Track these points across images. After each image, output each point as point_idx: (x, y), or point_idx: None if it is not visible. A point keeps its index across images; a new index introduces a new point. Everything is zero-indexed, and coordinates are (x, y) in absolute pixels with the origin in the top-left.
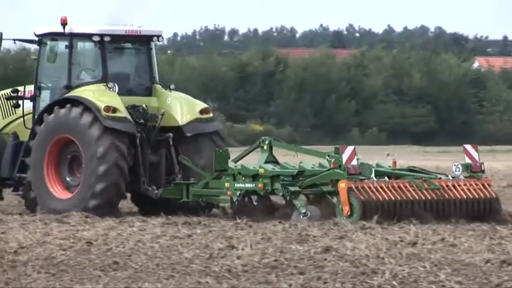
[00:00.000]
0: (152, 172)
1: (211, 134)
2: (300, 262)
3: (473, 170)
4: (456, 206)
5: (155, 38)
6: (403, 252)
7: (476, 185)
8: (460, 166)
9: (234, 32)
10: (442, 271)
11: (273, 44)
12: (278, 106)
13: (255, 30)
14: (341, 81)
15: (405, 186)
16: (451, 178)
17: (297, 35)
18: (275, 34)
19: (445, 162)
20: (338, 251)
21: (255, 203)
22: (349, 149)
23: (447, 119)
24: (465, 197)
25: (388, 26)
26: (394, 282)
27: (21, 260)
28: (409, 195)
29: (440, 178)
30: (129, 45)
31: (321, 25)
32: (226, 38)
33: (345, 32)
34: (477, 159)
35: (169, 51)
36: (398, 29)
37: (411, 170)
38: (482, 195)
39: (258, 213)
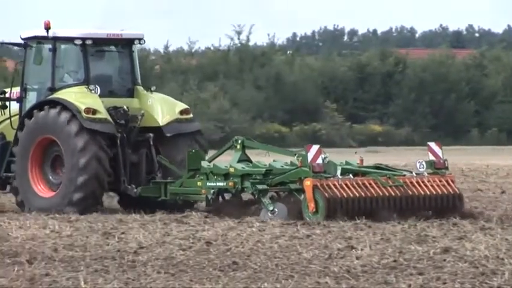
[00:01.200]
0: (133, 171)
1: (191, 134)
2: (419, 263)
3: (437, 167)
4: (420, 201)
5: (137, 41)
6: None
7: (440, 181)
8: (424, 163)
9: (353, 33)
10: None
11: (392, 45)
12: (397, 106)
13: (374, 31)
14: (460, 82)
15: (370, 183)
16: (415, 175)
17: (417, 35)
18: (394, 34)
19: None
20: (457, 251)
21: (226, 200)
22: (314, 148)
23: None
24: (428, 193)
25: (508, 26)
26: None
27: (140, 260)
28: (373, 191)
29: (404, 175)
30: (111, 48)
31: (441, 25)
32: (345, 38)
33: (465, 32)
34: (441, 156)
35: (288, 52)
36: None
37: (377, 167)
38: (445, 191)
39: (231, 210)
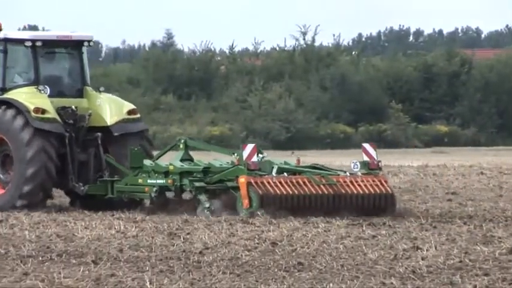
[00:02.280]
0: (81, 170)
1: (138, 133)
2: (484, 263)
3: (370, 168)
4: (352, 200)
5: (86, 43)
6: None
7: (373, 181)
8: (358, 163)
9: (419, 33)
10: None
11: (458, 45)
12: (463, 107)
13: (440, 31)
14: None
15: (303, 182)
16: (348, 175)
17: (483, 36)
18: (460, 35)
19: None
20: None
21: (169, 198)
22: (250, 146)
23: None
24: (361, 192)
25: None
26: None
27: (206, 261)
28: (306, 189)
29: (338, 175)
30: (60, 49)
31: (507, 26)
32: (411, 38)
33: None
34: (375, 157)
35: (353, 52)
36: None
37: (314, 167)
38: (378, 190)
39: (172, 207)
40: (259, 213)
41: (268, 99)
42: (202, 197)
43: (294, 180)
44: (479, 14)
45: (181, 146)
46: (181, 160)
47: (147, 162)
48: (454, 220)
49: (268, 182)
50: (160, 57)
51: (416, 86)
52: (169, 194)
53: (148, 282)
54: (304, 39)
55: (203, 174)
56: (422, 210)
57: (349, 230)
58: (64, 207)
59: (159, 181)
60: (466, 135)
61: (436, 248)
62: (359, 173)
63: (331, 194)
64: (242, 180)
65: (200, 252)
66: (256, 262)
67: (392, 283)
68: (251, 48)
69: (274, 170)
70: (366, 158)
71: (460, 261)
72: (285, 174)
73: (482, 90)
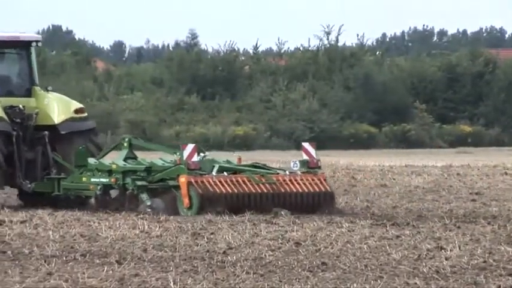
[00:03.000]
0: (29, 167)
1: (85, 132)
2: (509, 263)
3: (310, 166)
4: (291, 198)
5: (34, 43)
6: None
7: (313, 180)
8: (298, 162)
9: (443, 33)
10: None
11: (482, 45)
12: (487, 107)
13: (464, 31)
14: None
15: (243, 181)
16: (288, 173)
17: (507, 36)
18: (484, 35)
19: None
20: None
21: (113, 196)
22: (190, 146)
23: None
24: (300, 190)
25: None
26: None
27: (230, 261)
28: (245, 188)
29: (278, 173)
30: (9, 50)
31: None
32: (435, 38)
33: None
34: (314, 156)
35: (377, 52)
36: None
37: (254, 166)
38: (316, 189)
39: (116, 205)
40: (283, 213)
41: (292, 99)
42: (144, 196)
43: (234, 179)
44: (503, 14)
45: (125, 144)
46: (126, 159)
47: (91, 160)
48: (478, 220)
49: (208, 181)
50: (184, 57)
51: (440, 86)
52: (114, 192)
53: (172, 282)
54: (328, 39)
55: (146, 173)
56: (446, 211)
57: (373, 230)
58: (88, 208)
59: (102, 179)
60: (490, 135)
61: (460, 248)
62: (298, 172)
63: (270, 193)
64: (182, 179)
65: (224, 252)
66: (280, 262)
67: (416, 283)
68: (275, 48)
69: (215, 170)
70: (305, 157)
71: (484, 262)
72: (225, 173)
73: (506, 90)
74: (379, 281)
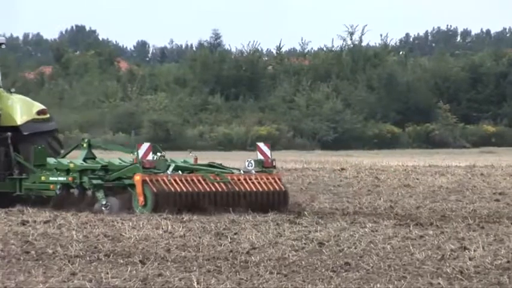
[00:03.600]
0: None
1: (47, 133)
2: None
3: (265, 166)
4: (246, 197)
5: None
6: None
7: (267, 179)
8: (252, 162)
9: (466, 33)
10: None
11: (506, 45)
12: (510, 107)
13: (488, 31)
14: None
15: (198, 180)
16: (242, 173)
17: None
18: (508, 35)
19: None
20: None
21: (76, 195)
22: (145, 145)
23: None
24: (254, 189)
25: None
26: None
27: (253, 261)
28: (200, 187)
29: (233, 173)
30: None
31: None
32: (458, 38)
33: None
34: (269, 155)
35: (401, 52)
36: None
37: (210, 165)
38: (271, 188)
39: (76, 204)
40: (305, 213)
41: (316, 99)
42: (100, 194)
43: (189, 178)
44: None
45: (84, 145)
46: (85, 159)
47: (50, 160)
48: (501, 220)
49: (163, 180)
50: (208, 57)
51: (464, 86)
52: (74, 191)
53: (195, 282)
54: (351, 39)
55: (103, 172)
56: (470, 211)
57: (396, 230)
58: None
59: (60, 178)
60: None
61: (483, 248)
62: (253, 171)
63: (224, 192)
64: (137, 178)
65: (247, 252)
66: (303, 262)
67: (439, 283)
68: (298, 48)
69: (170, 169)
70: (260, 157)
71: (508, 262)
72: (180, 172)
73: None
74: (402, 281)
